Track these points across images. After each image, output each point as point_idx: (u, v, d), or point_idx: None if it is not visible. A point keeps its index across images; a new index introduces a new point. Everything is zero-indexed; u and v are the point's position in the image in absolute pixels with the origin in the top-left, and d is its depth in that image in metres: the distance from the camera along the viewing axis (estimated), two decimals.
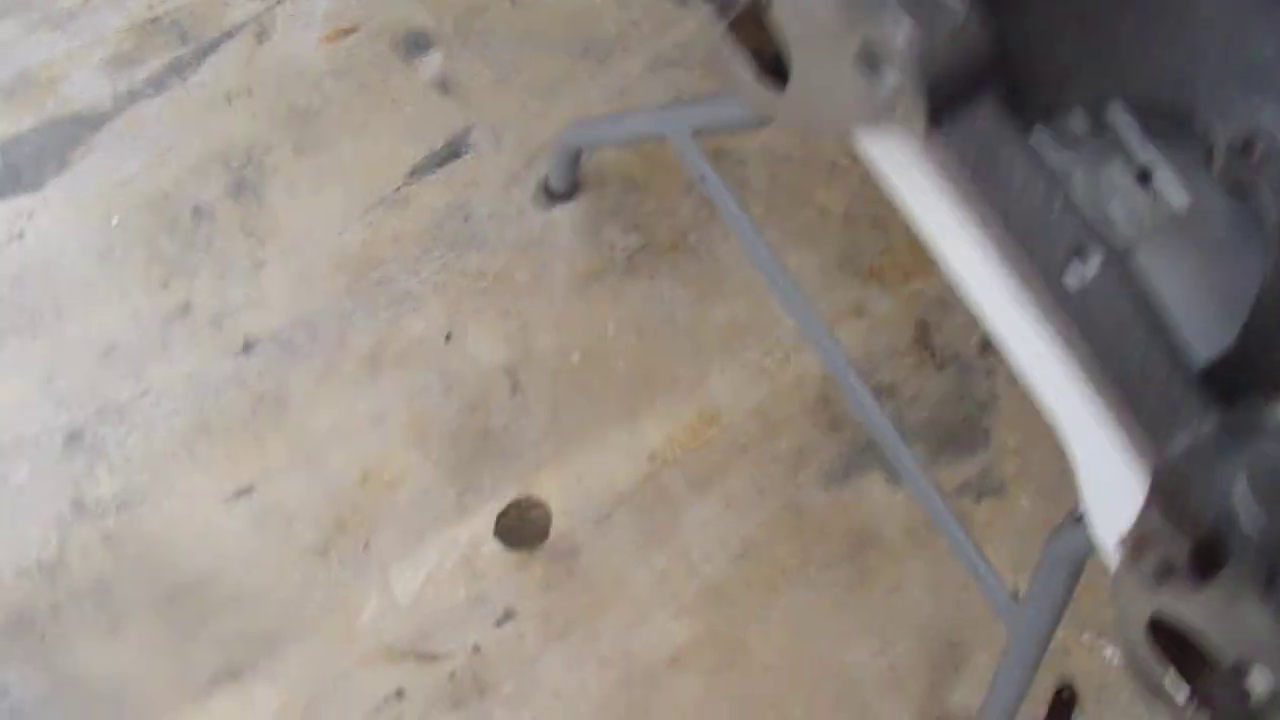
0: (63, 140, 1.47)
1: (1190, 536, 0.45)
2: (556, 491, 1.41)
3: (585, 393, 1.44)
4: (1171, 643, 0.59)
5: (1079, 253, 0.47)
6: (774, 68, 0.60)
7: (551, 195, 1.48)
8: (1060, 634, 1.18)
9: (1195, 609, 0.50)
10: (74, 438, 1.39)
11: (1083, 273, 0.47)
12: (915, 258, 1.53)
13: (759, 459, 1.45)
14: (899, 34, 0.44)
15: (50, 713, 1.32)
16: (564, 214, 1.49)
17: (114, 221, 1.46)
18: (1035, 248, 0.46)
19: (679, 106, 1.29)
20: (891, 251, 1.53)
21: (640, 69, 1.54)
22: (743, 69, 0.60)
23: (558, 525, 1.41)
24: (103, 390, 1.41)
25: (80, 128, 1.48)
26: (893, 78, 0.47)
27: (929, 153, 0.47)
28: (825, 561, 1.44)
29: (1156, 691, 0.59)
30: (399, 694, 1.35)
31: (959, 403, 1.50)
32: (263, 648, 1.35)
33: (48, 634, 1.34)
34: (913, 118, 0.46)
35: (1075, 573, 1.03)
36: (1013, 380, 1.53)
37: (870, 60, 0.48)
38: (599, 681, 1.37)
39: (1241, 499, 0.44)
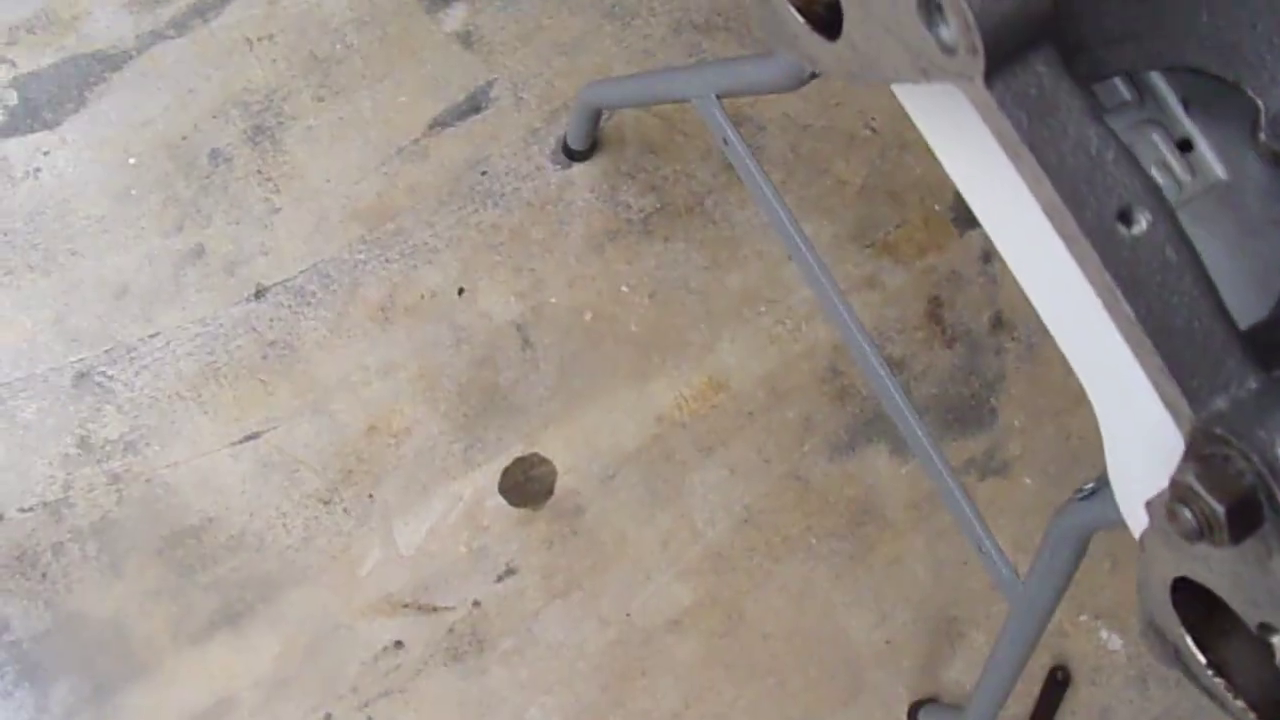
0: (83, 78, 1.47)
1: (1227, 497, 0.45)
2: (563, 449, 1.42)
3: (595, 352, 1.44)
4: (1188, 613, 0.59)
5: (1129, 209, 0.47)
6: (821, 20, 0.60)
7: (570, 154, 1.47)
8: (1057, 615, 1.18)
9: (1223, 571, 0.51)
10: (83, 377, 1.39)
11: (1133, 226, 0.47)
12: (930, 233, 1.53)
13: (766, 426, 1.45)
14: None
15: (50, 649, 1.32)
16: (582, 173, 1.48)
17: (131, 162, 1.45)
18: (1087, 199, 0.46)
19: (704, 68, 1.28)
20: (907, 226, 1.53)
21: (664, 31, 1.54)
22: (792, 19, 0.60)
23: (563, 483, 1.41)
24: (113, 331, 1.41)
25: (101, 66, 1.47)
26: (953, 27, 0.47)
27: (984, 103, 0.47)
28: (827, 532, 1.44)
29: (1174, 655, 0.59)
30: (398, 644, 1.36)
31: (967, 380, 1.51)
32: (263, 594, 1.36)
33: (50, 571, 1.35)
34: (971, 68, 0.46)
35: (1080, 550, 1.03)
36: (1021, 359, 1.53)
37: (930, 10, 0.48)
38: (598, 640, 1.38)
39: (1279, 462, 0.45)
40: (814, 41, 0.58)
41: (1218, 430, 0.46)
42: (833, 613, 1.43)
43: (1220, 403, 0.48)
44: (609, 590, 1.40)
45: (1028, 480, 1.50)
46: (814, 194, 1.51)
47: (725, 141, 1.19)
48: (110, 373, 1.40)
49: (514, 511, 1.40)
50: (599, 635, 1.39)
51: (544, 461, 1.41)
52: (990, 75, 0.47)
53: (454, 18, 1.52)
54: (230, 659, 1.34)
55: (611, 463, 1.42)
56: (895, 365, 1.48)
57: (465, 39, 1.52)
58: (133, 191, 1.45)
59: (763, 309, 1.47)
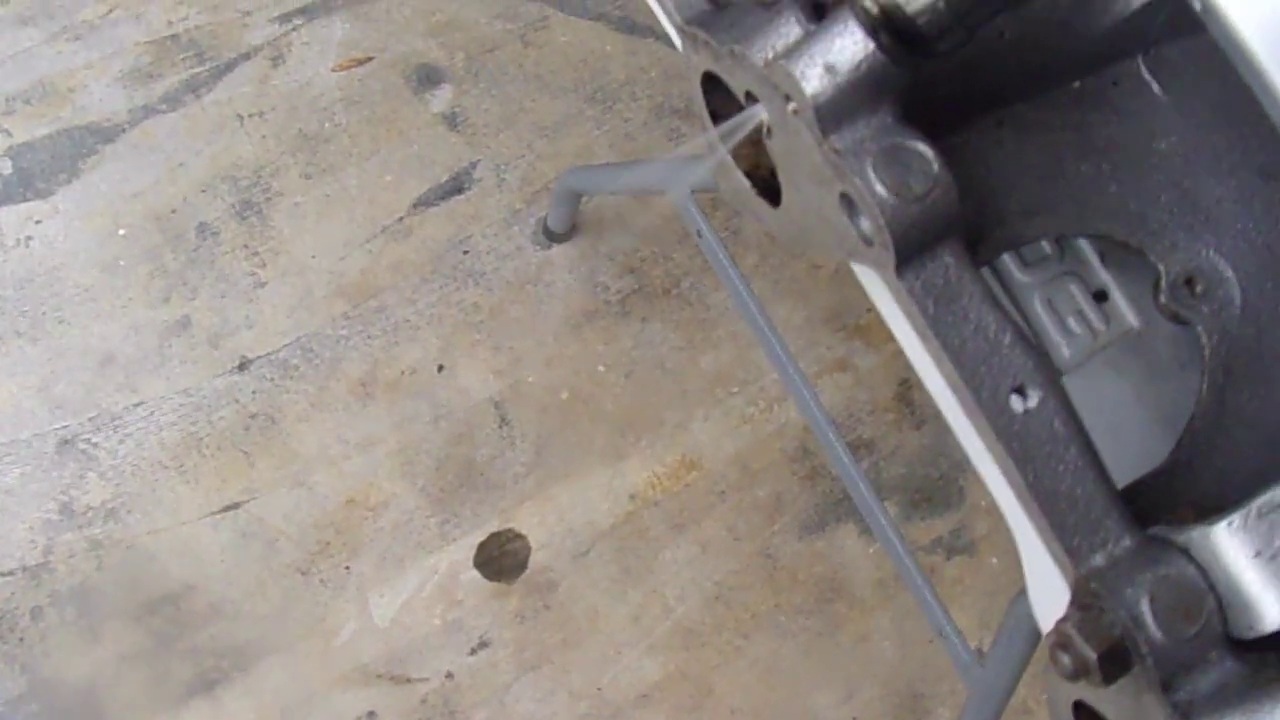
0: (76, 150, 1.55)
1: (1099, 646, 0.54)
2: (537, 525, 1.49)
3: (571, 430, 1.52)
4: None
5: (1022, 386, 0.56)
6: (770, 183, 0.68)
7: (550, 235, 1.56)
8: (1021, 693, 1.25)
9: (1108, 701, 0.59)
10: (67, 444, 1.47)
11: (1024, 404, 0.56)
12: None
13: (737, 505, 1.53)
14: (874, 194, 0.53)
15: (24, 713, 1.39)
16: (561, 254, 1.57)
17: (120, 233, 1.54)
18: (982, 381, 0.55)
19: (679, 162, 1.37)
20: (878, 310, 1.61)
21: (645, 115, 1.63)
22: (741, 182, 0.68)
23: (537, 558, 1.49)
24: (98, 399, 1.48)
25: (94, 138, 1.56)
26: (868, 224, 0.55)
27: (896, 289, 0.56)
28: (796, 609, 1.52)
29: None
30: (371, 715, 1.43)
31: (935, 461, 1.59)
32: (239, 662, 1.43)
33: (27, 636, 1.41)
34: (883, 261, 0.55)
35: (1035, 636, 1.10)
36: None
37: (850, 205, 0.56)
38: (568, 714, 1.45)
39: (1144, 616, 0.53)
40: (759, 204, 0.67)
41: (1093, 585, 0.55)
42: (800, 689, 1.51)
43: (1099, 560, 0.56)
44: (580, 664, 1.47)
45: (994, 560, 1.58)
46: (788, 277, 1.60)
47: (699, 234, 1.28)
48: (94, 440, 1.47)
49: (488, 585, 1.47)
50: (570, 709, 1.46)
51: (519, 537, 1.49)
52: (901, 267, 0.55)
53: (440, 99, 1.61)
54: None
55: (585, 539, 1.50)
56: (865, 446, 1.56)
57: (450, 120, 1.61)
58: (121, 262, 1.53)
59: (735, 390, 1.56)
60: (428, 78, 1.64)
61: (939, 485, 1.59)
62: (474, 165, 1.60)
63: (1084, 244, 0.76)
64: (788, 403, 1.56)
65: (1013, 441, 0.55)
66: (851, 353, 1.60)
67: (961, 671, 1.24)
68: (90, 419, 1.48)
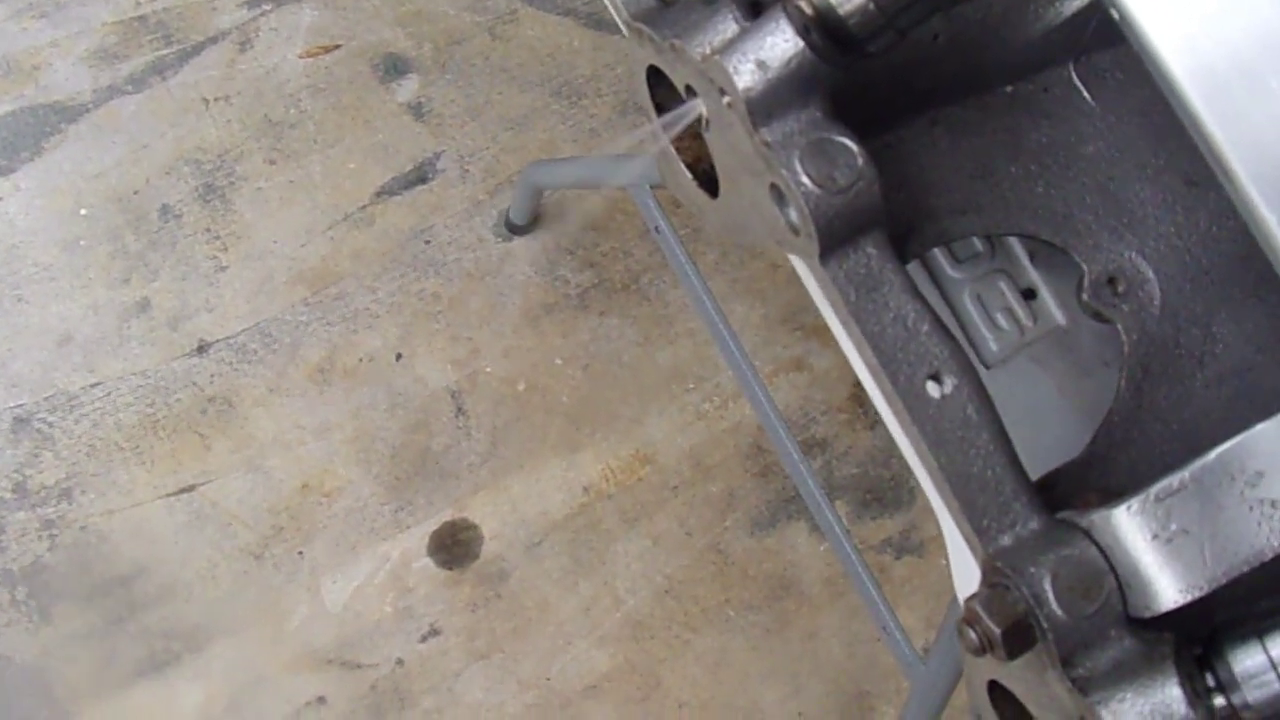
0: (39, 128, 1.57)
1: (1003, 622, 0.57)
2: (491, 515, 1.52)
3: (527, 422, 1.55)
4: (1005, 708, 0.71)
5: (938, 373, 0.59)
6: (711, 176, 0.71)
7: (512, 227, 1.59)
8: (965, 693, 1.29)
9: (1017, 678, 0.62)
10: (22, 422, 1.48)
11: (939, 390, 0.59)
12: None
13: (689, 500, 1.56)
14: (800, 185, 0.56)
15: None
16: (522, 246, 1.60)
17: (82, 213, 1.55)
18: (900, 367, 0.58)
19: (640, 159, 1.40)
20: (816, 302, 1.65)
21: (610, 111, 1.66)
22: (683, 173, 0.71)
23: (489, 548, 1.51)
24: (55, 379, 1.50)
25: (58, 117, 1.58)
26: (795, 214, 0.59)
27: (821, 278, 0.59)
28: (745, 605, 1.55)
29: None
30: (320, 700, 1.45)
31: (887, 462, 1.62)
32: (190, 644, 1.44)
33: None
34: (809, 250, 0.58)
35: None
36: None
37: (779, 196, 0.59)
38: (517, 703, 1.48)
39: (1046, 594, 0.56)
40: (699, 196, 0.70)
41: (999, 564, 0.58)
42: (747, 684, 1.54)
43: (1006, 540, 0.59)
44: (530, 654, 1.49)
45: (943, 561, 1.62)
46: (747, 276, 1.64)
47: (657, 230, 1.31)
48: (50, 419, 1.49)
49: (440, 574, 1.50)
50: (518, 698, 1.48)
51: (472, 526, 1.52)
52: (824, 256, 0.58)
53: (406, 89, 1.64)
54: (153, 708, 1.42)
55: (538, 530, 1.52)
56: (819, 445, 1.59)
57: (416, 110, 1.63)
58: (82, 242, 1.55)
59: (691, 386, 1.59)
60: (394, 67, 1.67)
61: (890, 485, 1.62)
62: (438, 156, 1.62)
63: (1014, 243, 0.80)
64: (742, 400, 1.59)
65: (927, 425, 0.58)
66: (808, 352, 1.63)
67: (904, 668, 1.28)
68: (47, 398, 1.49)
